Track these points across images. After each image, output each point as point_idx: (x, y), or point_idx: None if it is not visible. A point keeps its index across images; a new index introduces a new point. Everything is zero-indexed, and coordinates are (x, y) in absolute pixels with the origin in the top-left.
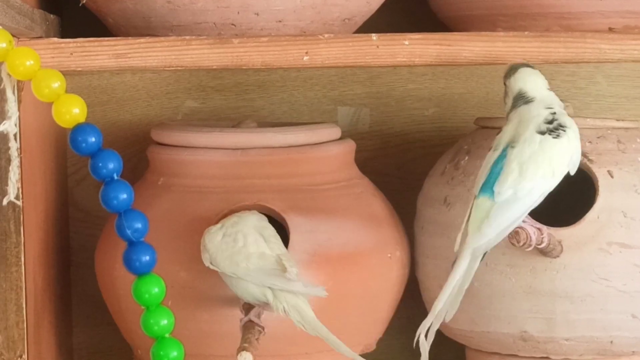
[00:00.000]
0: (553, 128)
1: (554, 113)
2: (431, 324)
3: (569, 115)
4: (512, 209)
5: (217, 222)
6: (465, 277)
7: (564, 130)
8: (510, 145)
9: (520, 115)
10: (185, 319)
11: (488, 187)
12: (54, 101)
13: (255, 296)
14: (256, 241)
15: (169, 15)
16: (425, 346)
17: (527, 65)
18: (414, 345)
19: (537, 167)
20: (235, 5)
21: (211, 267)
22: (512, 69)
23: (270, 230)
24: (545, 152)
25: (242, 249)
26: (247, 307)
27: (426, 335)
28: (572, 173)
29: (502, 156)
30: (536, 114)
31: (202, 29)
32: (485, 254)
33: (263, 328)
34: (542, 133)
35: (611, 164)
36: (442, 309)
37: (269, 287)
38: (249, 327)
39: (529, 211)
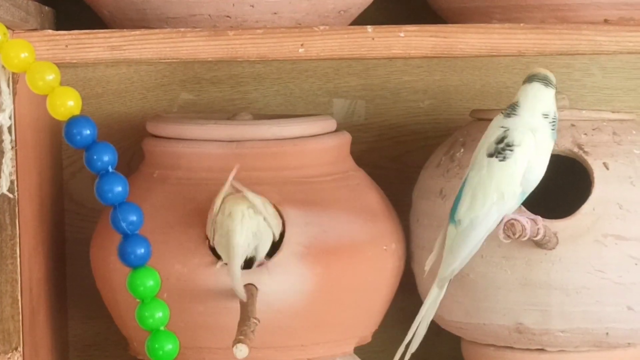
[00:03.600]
0: (501, 149)
1: (506, 130)
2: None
3: (564, 107)
4: (470, 236)
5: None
6: (430, 308)
7: (511, 150)
8: (471, 167)
9: (486, 130)
10: (180, 311)
11: (453, 214)
12: (49, 93)
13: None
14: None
15: (164, 7)
16: None
17: (542, 80)
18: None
19: (486, 195)
20: None
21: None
22: (528, 78)
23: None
24: (492, 177)
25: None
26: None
27: None
28: (533, 187)
29: (465, 180)
30: (492, 132)
31: (197, 21)
32: (449, 281)
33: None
34: (491, 155)
35: (607, 155)
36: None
37: None
38: (244, 320)
39: (486, 235)
